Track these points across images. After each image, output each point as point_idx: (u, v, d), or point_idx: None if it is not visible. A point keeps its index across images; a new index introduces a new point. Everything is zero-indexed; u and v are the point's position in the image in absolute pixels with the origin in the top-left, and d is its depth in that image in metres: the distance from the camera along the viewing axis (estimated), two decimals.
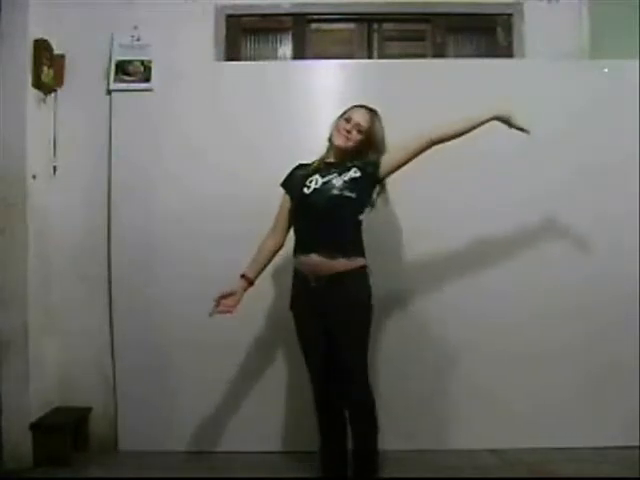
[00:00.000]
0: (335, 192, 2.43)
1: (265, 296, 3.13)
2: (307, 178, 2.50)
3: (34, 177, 3.09)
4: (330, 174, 2.48)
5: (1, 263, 2.98)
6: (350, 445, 2.48)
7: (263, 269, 2.59)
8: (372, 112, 2.53)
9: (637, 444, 2.93)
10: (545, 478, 2.79)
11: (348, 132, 2.48)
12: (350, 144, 2.49)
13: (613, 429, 3.05)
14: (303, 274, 2.47)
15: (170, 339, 3.18)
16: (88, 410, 3.24)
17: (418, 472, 2.86)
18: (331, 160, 2.55)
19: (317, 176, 2.49)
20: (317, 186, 2.46)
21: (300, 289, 2.51)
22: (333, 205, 2.42)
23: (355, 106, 2.55)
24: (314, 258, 2.41)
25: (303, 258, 2.45)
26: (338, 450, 2.53)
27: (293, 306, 2.55)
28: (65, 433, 3.03)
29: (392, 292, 3.09)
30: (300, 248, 2.47)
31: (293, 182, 2.57)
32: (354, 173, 2.46)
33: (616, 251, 3.14)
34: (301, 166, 2.62)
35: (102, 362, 3.24)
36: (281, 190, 2.61)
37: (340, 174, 2.46)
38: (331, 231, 2.42)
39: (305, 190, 2.48)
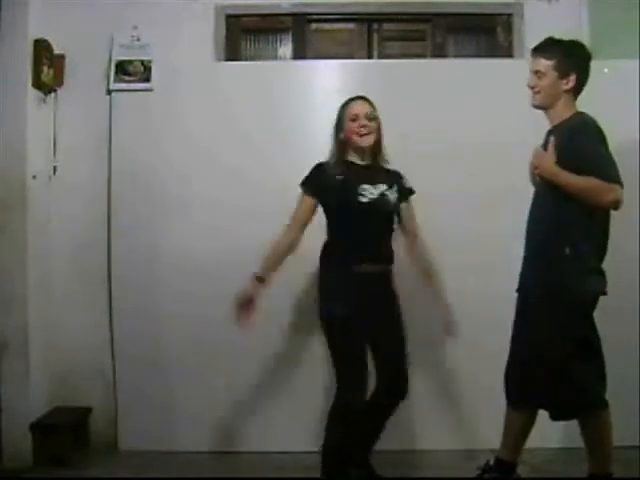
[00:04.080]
0: (391, 208, 2.53)
1: (265, 295, 3.13)
2: (352, 185, 2.45)
3: (34, 177, 3.09)
4: (378, 183, 2.49)
5: (1, 263, 2.99)
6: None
7: (278, 268, 2.49)
8: (364, 98, 2.54)
9: (637, 444, 2.93)
10: (545, 478, 2.79)
11: (363, 127, 2.46)
12: (372, 138, 2.49)
13: (613, 429, 3.04)
14: (360, 282, 2.44)
15: (171, 338, 3.18)
16: (88, 410, 3.25)
17: (418, 472, 2.86)
18: (361, 162, 2.52)
19: (367, 185, 2.46)
20: (374, 197, 2.47)
21: (355, 296, 2.43)
22: (391, 219, 2.55)
23: (349, 102, 2.52)
24: (375, 267, 2.48)
25: (364, 267, 2.44)
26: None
27: (345, 312, 2.40)
28: (65, 433, 3.03)
29: None
30: (358, 256, 2.45)
31: (328, 186, 2.46)
32: (395, 193, 2.53)
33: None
34: (323, 167, 2.50)
35: (102, 362, 3.25)
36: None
37: (390, 187, 2.52)
38: (387, 243, 2.54)
39: (361, 199, 2.45)
